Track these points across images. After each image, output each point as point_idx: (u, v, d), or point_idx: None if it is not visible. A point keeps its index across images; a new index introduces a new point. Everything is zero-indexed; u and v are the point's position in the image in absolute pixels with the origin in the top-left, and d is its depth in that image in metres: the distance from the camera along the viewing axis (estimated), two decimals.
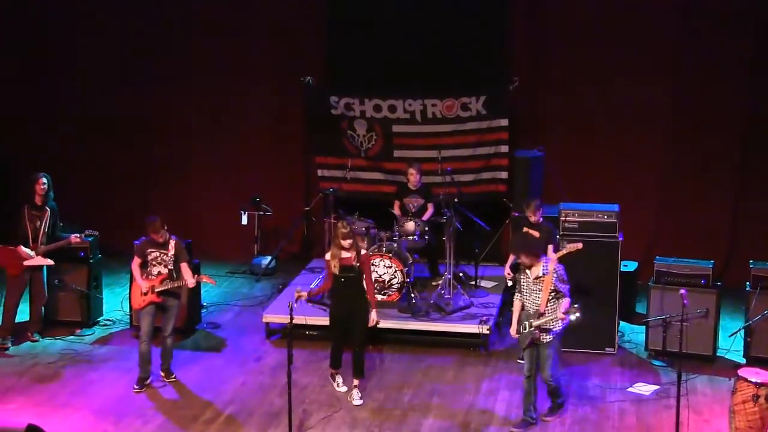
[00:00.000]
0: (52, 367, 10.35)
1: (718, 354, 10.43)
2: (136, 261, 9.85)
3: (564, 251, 9.89)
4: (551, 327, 8.76)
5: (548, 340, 8.80)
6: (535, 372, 8.93)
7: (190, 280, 9.77)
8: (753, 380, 8.31)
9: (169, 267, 9.75)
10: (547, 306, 8.68)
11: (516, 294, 9.00)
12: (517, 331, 8.84)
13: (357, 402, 9.40)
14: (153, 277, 9.77)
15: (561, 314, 8.68)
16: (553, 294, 8.69)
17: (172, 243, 9.80)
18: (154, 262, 9.77)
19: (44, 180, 10.86)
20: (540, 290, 8.71)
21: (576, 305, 8.71)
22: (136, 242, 9.93)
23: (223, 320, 11.79)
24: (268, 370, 10.30)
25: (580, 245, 9.91)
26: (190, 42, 13.89)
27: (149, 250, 9.77)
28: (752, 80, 12.36)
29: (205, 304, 12.03)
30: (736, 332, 10.37)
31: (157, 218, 9.75)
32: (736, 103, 12.46)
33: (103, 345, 11.01)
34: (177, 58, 13.96)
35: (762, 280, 10.16)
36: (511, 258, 10.27)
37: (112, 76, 14.12)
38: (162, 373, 9.98)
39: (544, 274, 8.69)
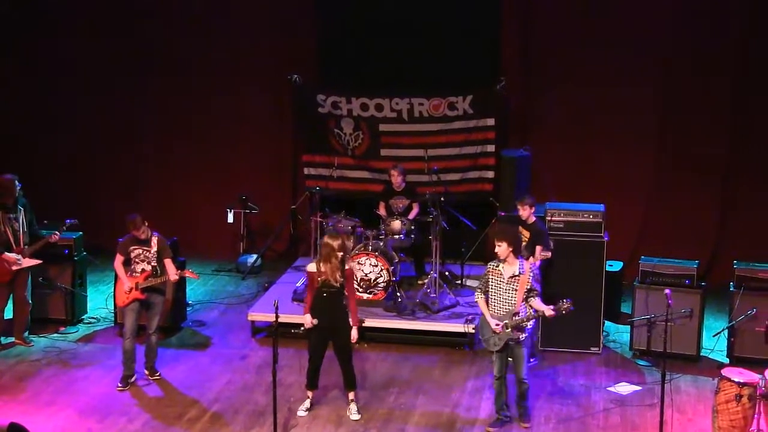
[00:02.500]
0: (36, 365, 10.31)
1: (702, 354, 10.47)
2: (119, 259, 9.81)
3: (538, 257, 9.89)
4: (525, 325, 8.74)
5: (522, 339, 8.75)
6: (505, 372, 8.89)
7: (173, 275, 9.74)
8: (736, 380, 8.37)
9: (153, 263, 9.73)
10: (522, 302, 8.67)
11: (478, 293, 8.89)
12: (504, 327, 8.69)
13: (355, 417, 9.13)
14: (137, 274, 9.75)
15: (550, 311, 8.55)
16: (526, 293, 8.67)
17: (155, 240, 9.77)
18: (137, 260, 9.75)
19: (13, 179, 10.63)
20: (513, 289, 8.66)
21: (566, 300, 8.57)
22: (120, 240, 9.91)
23: (208, 318, 11.77)
24: (253, 369, 10.29)
25: (548, 254, 9.99)
26: (180, 40, 13.84)
27: (132, 248, 9.75)
28: (741, 81, 12.39)
29: (190, 302, 12.00)
30: (719, 332, 10.42)
31: (137, 215, 9.71)
32: (724, 105, 12.49)
33: (88, 343, 10.98)
34: (166, 55, 13.92)
35: (746, 280, 10.21)
36: None
37: (100, 74, 14.06)
38: (146, 372, 9.95)
39: (520, 272, 8.64)
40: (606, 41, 12.66)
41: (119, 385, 9.73)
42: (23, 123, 14.33)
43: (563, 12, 12.81)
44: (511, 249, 8.64)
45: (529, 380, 9.01)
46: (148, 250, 9.74)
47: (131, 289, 9.70)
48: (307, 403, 9.25)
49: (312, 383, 9.24)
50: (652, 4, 12.57)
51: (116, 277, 10.08)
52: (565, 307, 8.56)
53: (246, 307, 11.70)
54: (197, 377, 10.06)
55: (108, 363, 10.31)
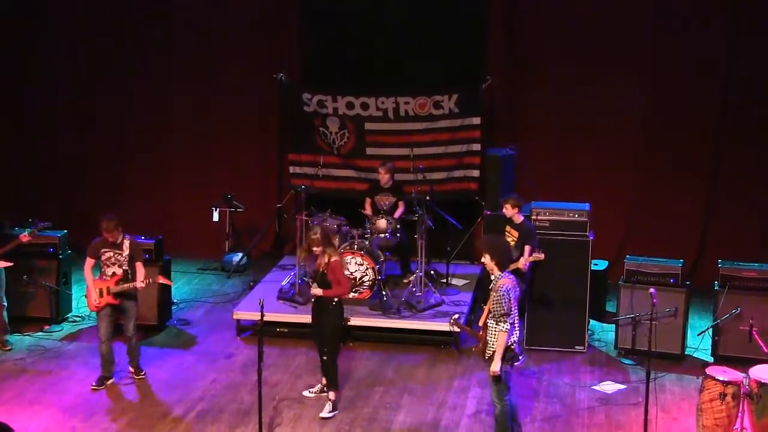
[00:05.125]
0: (20, 363, 10.26)
1: (686, 353, 10.51)
2: (89, 262, 9.62)
3: (530, 259, 9.91)
4: (489, 351, 8.18)
5: (494, 370, 8.09)
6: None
7: (140, 282, 9.45)
8: (720, 379, 8.40)
9: (124, 267, 9.53)
10: (487, 319, 8.18)
11: None
12: (450, 321, 8.71)
13: (324, 414, 9.06)
14: (107, 277, 9.56)
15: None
16: (491, 314, 8.10)
17: (127, 243, 9.57)
18: (107, 263, 9.56)
19: None
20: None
21: (456, 317, 8.68)
22: (92, 242, 9.71)
23: (193, 317, 11.73)
24: (238, 368, 10.27)
25: (542, 256, 9.87)
26: (166, 38, 13.81)
27: (103, 250, 9.57)
28: (725, 83, 12.41)
29: (175, 300, 11.97)
30: (704, 331, 10.43)
31: (113, 218, 9.47)
32: (709, 106, 12.52)
33: (72, 341, 10.93)
34: (152, 53, 13.88)
35: (730, 279, 10.25)
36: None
37: (84, 72, 14.02)
38: (131, 370, 9.91)
39: (490, 288, 8.18)
40: (592, 42, 12.69)
41: (93, 384, 9.64)
42: (10, 123, 14.25)
43: (550, 12, 12.83)
44: (494, 261, 8.18)
45: (509, 401, 8.31)
46: (119, 253, 9.55)
47: (103, 294, 9.52)
48: (318, 387, 9.47)
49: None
50: (638, 6, 12.59)
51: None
52: (453, 320, 8.64)
53: (231, 306, 11.67)
54: (182, 376, 10.04)
55: (93, 362, 10.25)
